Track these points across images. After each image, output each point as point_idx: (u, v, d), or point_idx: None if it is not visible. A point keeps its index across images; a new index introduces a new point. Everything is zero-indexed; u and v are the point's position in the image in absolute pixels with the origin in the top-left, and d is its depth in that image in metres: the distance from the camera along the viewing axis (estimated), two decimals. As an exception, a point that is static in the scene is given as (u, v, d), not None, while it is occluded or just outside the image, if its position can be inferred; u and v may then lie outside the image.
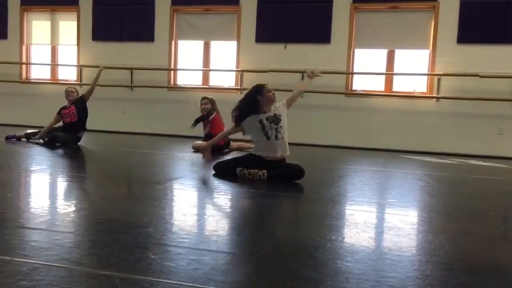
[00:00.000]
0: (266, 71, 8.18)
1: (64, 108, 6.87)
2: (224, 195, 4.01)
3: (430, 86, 7.88)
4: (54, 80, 9.67)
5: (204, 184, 4.48)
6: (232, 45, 8.68)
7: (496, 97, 7.42)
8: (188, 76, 9.14)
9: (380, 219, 3.40)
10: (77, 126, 6.70)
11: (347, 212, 3.55)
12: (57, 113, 6.87)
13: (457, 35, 7.62)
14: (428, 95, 7.89)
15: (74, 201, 3.52)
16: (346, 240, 2.72)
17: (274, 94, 4.63)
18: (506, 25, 7.42)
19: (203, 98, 6.96)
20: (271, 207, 3.67)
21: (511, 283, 2.20)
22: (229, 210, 3.47)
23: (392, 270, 2.22)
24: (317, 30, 8.16)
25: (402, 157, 7.07)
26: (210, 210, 3.42)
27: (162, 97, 8.89)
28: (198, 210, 3.43)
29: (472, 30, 7.55)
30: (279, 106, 4.67)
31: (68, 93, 6.94)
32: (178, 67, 9.07)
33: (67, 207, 3.25)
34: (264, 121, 4.51)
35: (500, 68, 7.41)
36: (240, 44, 8.54)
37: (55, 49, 9.69)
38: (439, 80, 7.73)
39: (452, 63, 7.63)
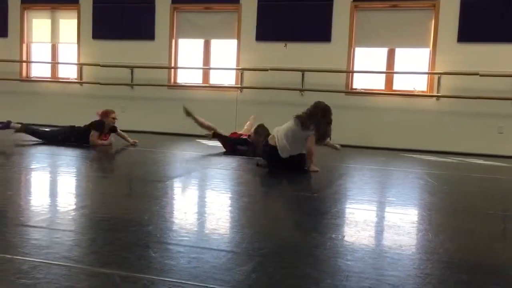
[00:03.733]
0: (267, 70, 8.18)
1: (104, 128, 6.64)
2: (224, 193, 4.01)
3: (430, 84, 7.88)
4: (54, 78, 9.67)
5: (204, 182, 4.49)
6: (232, 43, 8.68)
7: (496, 95, 7.42)
8: (188, 74, 9.14)
9: (380, 218, 3.41)
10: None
11: (347, 210, 3.55)
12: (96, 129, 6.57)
13: (457, 33, 7.61)
14: (428, 94, 7.89)
15: (74, 199, 3.52)
16: (346, 238, 2.72)
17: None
18: (506, 24, 7.42)
19: (262, 127, 6.06)
20: (271, 206, 3.67)
21: (511, 282, 2.20)
22: (229, 208, 3.47)
23: (392, 268, 2.23)
24: (317, 29, 8.16)
25: (402, 156, 7.07)
26: (210, 209, 3.42)
27: (163, 95, 8.89)
28: (198, 209, 3.43)
29: (473, 29, 7.54)
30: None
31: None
32: (179, 65, 9.07)
33: (67, 205, 3.25)
34: None
35: (500, 67, 7.41)
36: (240, 43, 8.54)
37: (55, 47, 9.69)
38: (439, 78, 7.72)
39: (452, 62, 7.63)
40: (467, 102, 7.59)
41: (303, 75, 8.19)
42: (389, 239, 2.77)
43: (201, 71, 9.01)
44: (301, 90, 8.22)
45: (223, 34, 8.76)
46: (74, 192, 3.88)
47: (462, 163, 6.64)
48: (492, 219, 3.43)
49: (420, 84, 8.05)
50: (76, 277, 1.97)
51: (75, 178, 4.47)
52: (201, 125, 6.57)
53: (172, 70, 8.99)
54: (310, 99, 8.10)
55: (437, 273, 2.22)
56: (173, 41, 8.93)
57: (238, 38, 8.55)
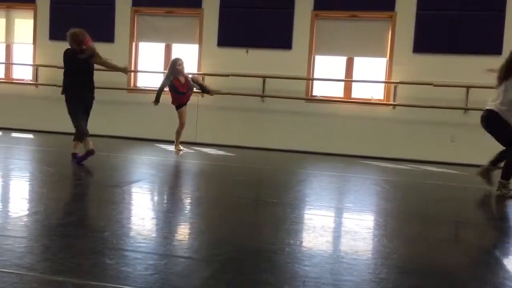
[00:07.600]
0: (228, 75, 8.19)
1: None
2: (183, 199, 3.98)
3: (387, 93, 8.09)
4: (8, 79, 9.35)
5: (163, 188, 4.44)
6: (193, 48, 8.65)
7: (449, 105, 7.68)
8: (149, 78, 9.03)
9: (338, 224, 3.47)
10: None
11: (306, 216, 3.60)
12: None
13: (413, 44, 7.86)
14: (385, 102, 8.10)
15: (27, 205, 3.41)
16: (304, 244, 2.76)
17: None
18: (458, 37, 7.71)
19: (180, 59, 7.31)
20: (230, 212, 3.67)
21: (463, 285, 2.28)
22: (188, 214, 3.45)
23: (348, 273, 2.27)
24: (278, 36, 8.23)
25: (360, 163, 7.22)
26: (168, 215, 3.39)
27: (123, 99, 8.75)
28: (156, 214, 3.39)
29: (427, 40, 7.79)
30: None
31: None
32: (139, 69, 8.95)
33: (19, 211, 3.15)
34: None
35: (453, 77, 7.67)
36: (202, 48, 8.52)
37: (9, 47, 9.38)
38: (395, 88, 7.94)
39: (408, 72, 7.86)
40: (422, 111, 7.83)
41: (264, 81, 8.24)
42: (346, 244, 2.82)
43: (161, 75, 8.92)
44: (262, 96, 8.27)
45: (185, 38, 8.71)
46: (27, 197, 3.76)
47: (416, 170, 6.84)
48: (444, 225, 3.55)
49: (377, 92, 8.25)
50: (27, 285, 1.91)
51: (29, 182, 4.33)
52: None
53: (132, 73, 8.86)
54: (271, 105, 8.23)
55: (391, 277, 2.27)
56: (134, 44, 8.81)
57: (200, 43, 8.53)
